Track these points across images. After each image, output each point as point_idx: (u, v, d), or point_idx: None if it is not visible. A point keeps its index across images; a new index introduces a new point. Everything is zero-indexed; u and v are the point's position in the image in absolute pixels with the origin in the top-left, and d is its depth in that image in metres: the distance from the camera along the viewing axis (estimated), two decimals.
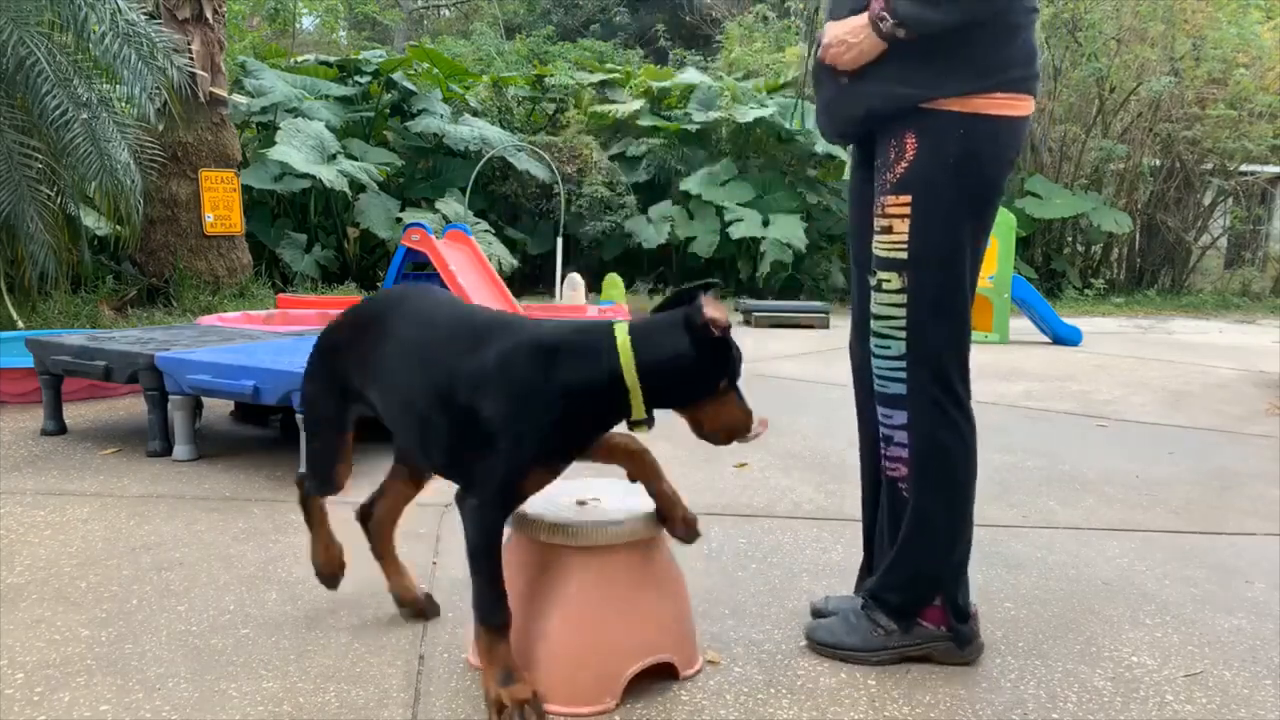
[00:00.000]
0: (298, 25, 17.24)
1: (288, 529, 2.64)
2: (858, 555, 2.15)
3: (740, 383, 1.70)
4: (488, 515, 1.64)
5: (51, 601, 2.14)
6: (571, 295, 8.08)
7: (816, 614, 2.11)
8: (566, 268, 9.18)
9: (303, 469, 2.13)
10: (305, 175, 9.17)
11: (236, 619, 2.07)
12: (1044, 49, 11.69)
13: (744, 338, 7.84)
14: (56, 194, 6.08)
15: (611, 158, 11.69)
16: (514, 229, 11.10)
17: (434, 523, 2.70)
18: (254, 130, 10.41)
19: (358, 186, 9.69)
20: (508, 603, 1.66)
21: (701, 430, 1.70)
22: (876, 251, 1.86)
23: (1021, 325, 8.00)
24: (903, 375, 1.85)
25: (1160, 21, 12.30)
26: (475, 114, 11.86)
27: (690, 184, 11.10)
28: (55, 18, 5.83)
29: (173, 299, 7.45)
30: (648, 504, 1.81)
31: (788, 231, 10.69)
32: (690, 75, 12.96)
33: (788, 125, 11.18)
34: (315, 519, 2.09)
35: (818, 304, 9.35)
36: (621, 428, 1.70)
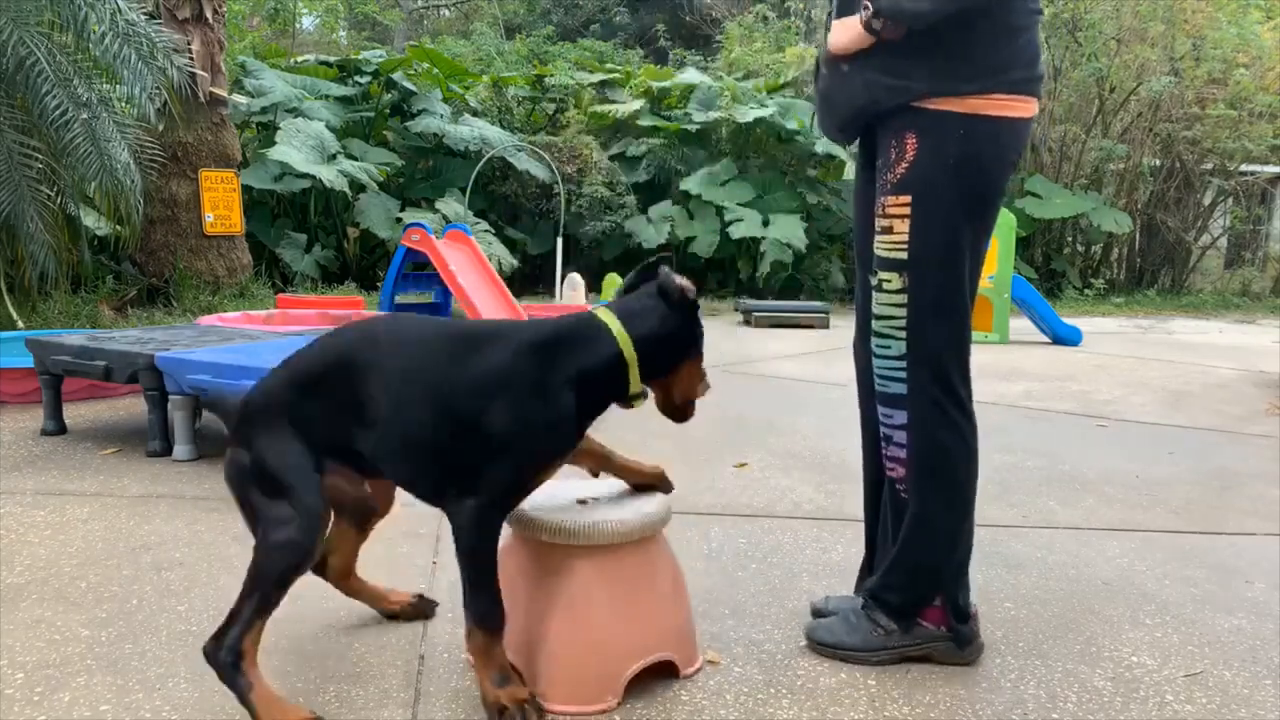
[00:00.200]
0: (298, 25, 17.26)
1: None
2: (858, 555, 2.15)
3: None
4: (491, 517, 1.64)
5: (51, 601, 2.14)
6: (571, 295, 8.08)
7: (817, 614, 2.11)
8: (566, 268, 9.18)
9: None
10: (305, 175, 9.18)
11: None
12: (1044, 49, 11.68)
13: (744, 338, 7.84)
14: (56, 194, 6.07)
15: (611, 158, 11.68)
16: (514, 229, 11.10)
17: (434, 523, 2.69)
18: (254, 130, 10.41)
19: (358, 186, 9.69)
20: (503, 604, 1.66)
21: (670, 399, 1.78)
22: (877, 251, 1.86)
23: (1021, 325, 8.00)
24: (903, 375, 1.85)
25: (1160, 21, 12.31)
26: (475, 114, 11.86)
27: (690, 184, 11.11)
28: (55, 18, 5.83)
29: (173, 299, 7.44)
30: (648, 504, 1.81)
31: (788, 231, 10.69)
32: (690, 75, 12.96)
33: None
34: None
35: (818, 304, 9.36)
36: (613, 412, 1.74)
